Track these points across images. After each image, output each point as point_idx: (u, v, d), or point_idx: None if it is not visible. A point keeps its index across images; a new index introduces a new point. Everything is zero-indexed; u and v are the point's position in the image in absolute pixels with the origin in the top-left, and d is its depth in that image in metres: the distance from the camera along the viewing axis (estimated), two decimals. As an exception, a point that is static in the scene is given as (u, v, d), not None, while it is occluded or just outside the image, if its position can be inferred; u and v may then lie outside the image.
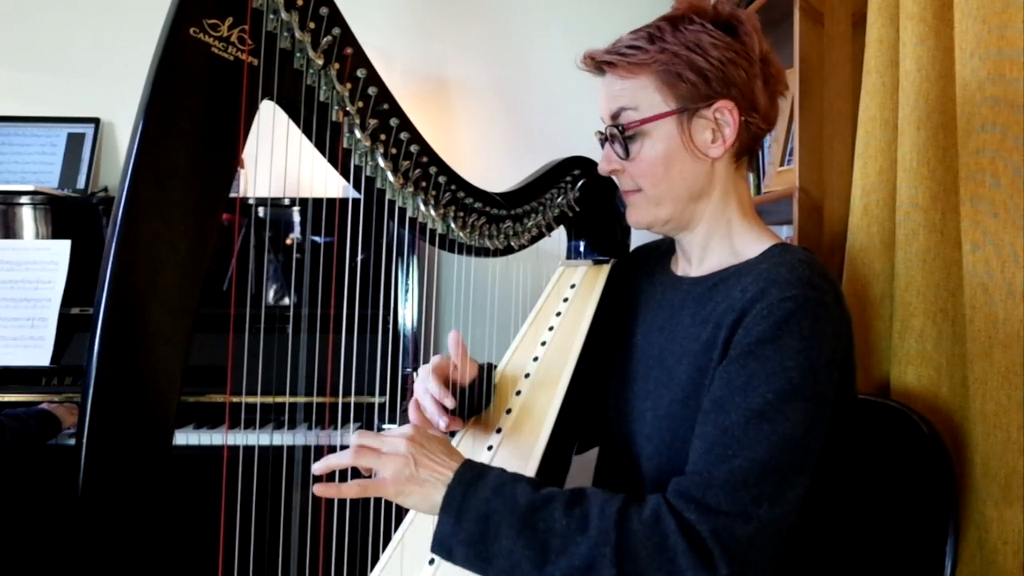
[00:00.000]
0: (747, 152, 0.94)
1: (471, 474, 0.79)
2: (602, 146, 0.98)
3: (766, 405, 0.76)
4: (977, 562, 1.00)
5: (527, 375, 1.03)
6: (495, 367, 1.07)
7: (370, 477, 0.81)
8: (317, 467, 0.79)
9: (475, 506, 0.76)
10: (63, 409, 1.69)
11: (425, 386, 0.97)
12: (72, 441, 1.69)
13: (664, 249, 1.07)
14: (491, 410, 1.02)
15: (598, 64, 0.93)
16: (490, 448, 0.97)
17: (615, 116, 0.92)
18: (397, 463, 0.78)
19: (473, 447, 0.99)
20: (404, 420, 1.71)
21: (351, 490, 0.77)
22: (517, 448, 0.96)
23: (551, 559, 0.74)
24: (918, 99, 1.12)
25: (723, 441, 0.77)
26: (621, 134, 0.91)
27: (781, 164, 1.59)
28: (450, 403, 0.94)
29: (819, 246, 1.38)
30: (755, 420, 0.76)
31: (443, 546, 0.77)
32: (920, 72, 1.12)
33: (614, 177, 0.98)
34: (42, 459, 1.70)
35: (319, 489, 0.77)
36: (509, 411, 1.00)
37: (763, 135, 0.95)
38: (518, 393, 1.02)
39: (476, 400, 1.02)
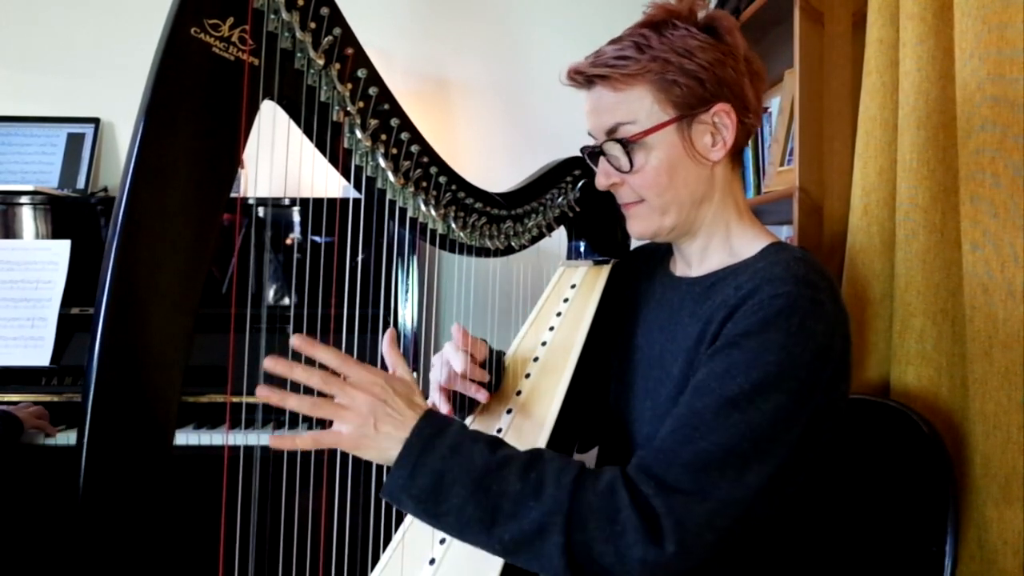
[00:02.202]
0: (741, 151, 0.95)
1: (430, 430, 0.78)
2: (590, 161, 0.97)
3: (740, 394, 0.77)
4: (977, 562, 1.00)
5: (528, 375, 1.03)
6: (503, 353, 1.08)
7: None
8: (261, 393, 0.76)
9: (430, 463, 0.76)
10: (24, 412, 1.68)
11: (449, 367, 0.99)
12: (62, 441, 1.69)
13: (664, 250, 1.07)
14: (492, 406, 1.02)
15: (589, 78, 0.92)
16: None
17: (611, 131, 0.91)
18: (356, 420, 0.77)
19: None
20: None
21: (305, 442, 0.76)
22: (519, 447, 0.95)
23: (500, 522, 0.75)
24: (918, 99, 1.12)
25: (692, 423, 0.77)
26: (624, 147, 0.90)
27: (781, 164, 1.60)
28: (484, 376, 0.98)
29: (819, 246, 1.38)
30: (726, 407, 0.76)
31: (394, 497, 0.77)
32: (920, 72, 1.12)
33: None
34: (40, 459, 1.71)
35: (273, 441, 0.76)
36: (510, 411, 1.00)
37: (753, 132, 0.95)
38: (518, 393, 1.02)
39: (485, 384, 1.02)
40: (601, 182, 0.96)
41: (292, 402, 0.76)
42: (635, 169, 0.91)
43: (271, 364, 0.75)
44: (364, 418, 0.77)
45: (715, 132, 0.90)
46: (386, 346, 0.89)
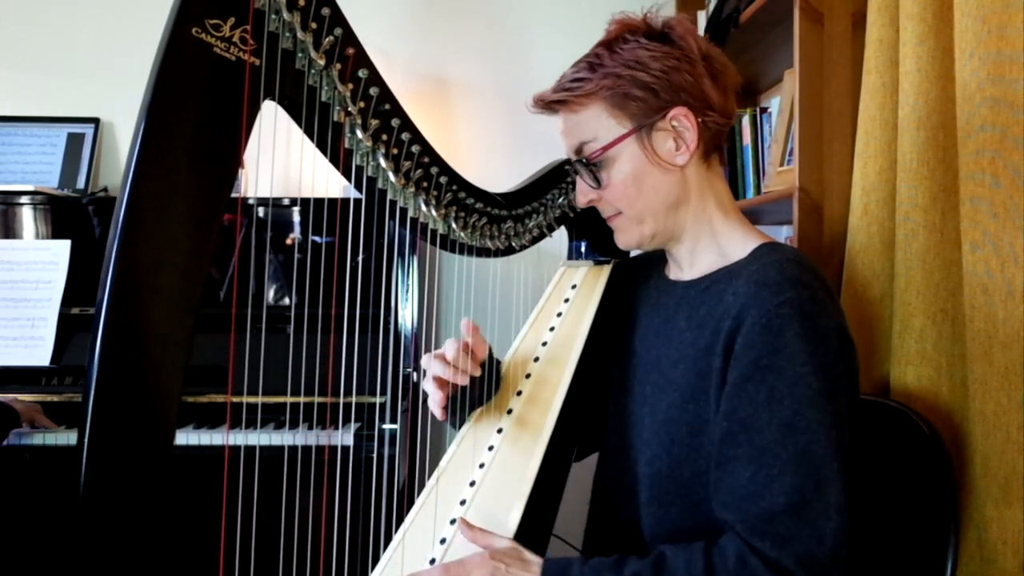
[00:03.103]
0: (714, 150, 0.95)
1: (555, 573, 0.81)
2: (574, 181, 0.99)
3: (795, 416, 0.77)
4: (977, 562, 1.00)
5: (528, 375, 1.03)
6: (499, 361, 1.08)
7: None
8: None
9: None
10: (19, 404, 1.68)
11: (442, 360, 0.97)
12: (62, 441, 1.70)
13: (659, 255, 1.07)
14: (492, 406, 1.02)
15: (548, 105, 0.95)
16: (491, 449, 0.97)
17: (578, 151, 0.94)
18: None
19: (475, 447, 0.99)
20: (404, 420, 1.72)
21: None
22: (519, 448, 0.96)
23: None
24: (918, 99, 1.12)
25: (766, 462, 0.78)
26: (587, 166, 0.93)
27: (781, 164, 1.60)
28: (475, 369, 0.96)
29: (819, 246, 1.38)
30: (790, 433, 0.77)
31: None
32: (920, 72, 1.12)
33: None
34: (40, 459, 1.71)
35: None
36: (510, 411, 1.00)
37: (725, 130, 0.95)
38: (519, 393, 1.02)
39: (481, 391, 1.02)
40: (580, 201, 0.98)
41: None
42: (604, 185, 0.93)
43: None
44: None
45: (677, 137, 0.90)
46: (467, 532, 0.88)
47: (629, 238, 0.97)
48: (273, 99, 0.82)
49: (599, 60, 0.91)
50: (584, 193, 0.96)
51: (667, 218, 0.94)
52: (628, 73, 0.88)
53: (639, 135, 0.90)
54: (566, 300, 1.10)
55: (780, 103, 1.66)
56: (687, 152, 0.91)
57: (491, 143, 2.30)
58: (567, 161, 1.09)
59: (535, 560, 0.83)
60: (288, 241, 1.98)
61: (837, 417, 0.79)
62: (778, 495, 0.76)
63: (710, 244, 0.94)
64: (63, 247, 1.90)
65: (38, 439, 1.70)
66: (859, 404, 0.88)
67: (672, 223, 0.94)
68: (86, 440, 0.72)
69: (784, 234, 1.98)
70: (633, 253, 1.11)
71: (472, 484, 0.94)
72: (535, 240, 1.07)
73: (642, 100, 0.89)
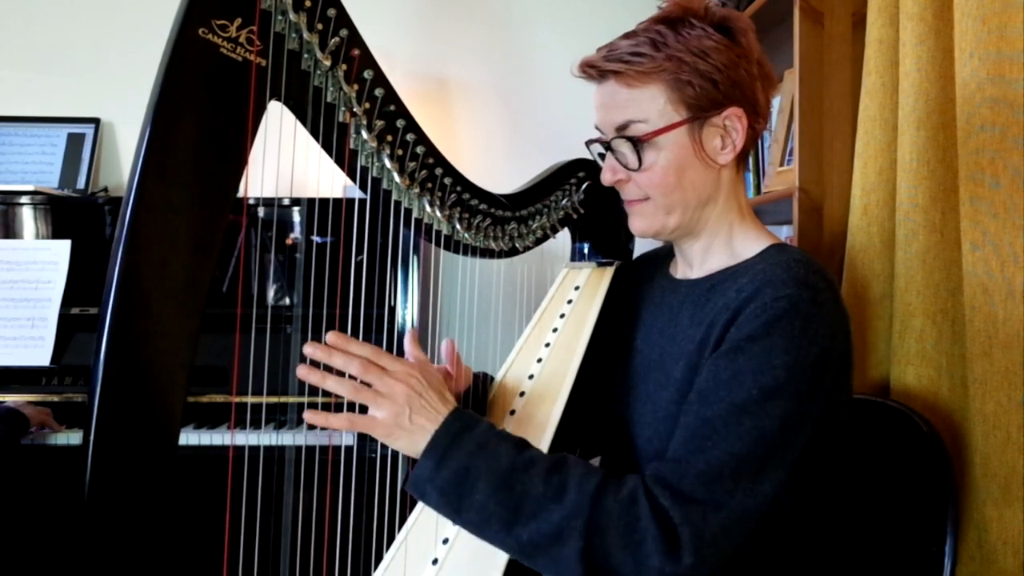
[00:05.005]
0: (747, 154, 0.95)
1: (459, 424, 0.79)
2: (592, 153, 0.97)
3: (749, 400, 0.77)
4: (977, 562, 1.00)
5: (531, 376, 1.03)
6: (492, 379, 1.08)
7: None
8: (301, 372, 0.77)
9: (456, 457, 0.77)
10: (29, 408, 1.68)
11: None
12: (62, 441, 1.70)
13: (664, 254, 1.07)
14: (494, 405, 1.02)
15: (602, 72, 0.90)
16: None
17: (621, 127, 0.90)
18: (392, 409, 0.78)
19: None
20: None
21: (340, 422, 0.77)
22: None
23: (521, 521, 0.75)
24: (918, 99, 1.12)
25: (703, 432, 0.78)
26: (632, 145, 0.89)
27: (781, 164, 1.60)
28: None
29: (819, 246, 1.38)
30: (736, 414, 0.77)
31: (418, 487, 0.78)
32: (920, 72, 1.12)
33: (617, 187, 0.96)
34: (43, 459, 1.70)
35: (309, 416, 0.77)
36: (512, 412, 1.00)
37: (760, 136, 0.95)
38: (522, 394, 1.02)
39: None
40: (607, 177, 0.94)
41: (331, 383, 0.78)
42: (643, 168, 0.90)
43: (311, 350, 0.77)
44: (400, 407, 0.78)
45: (725, 135, 0.89)
46: (410, 344, 0.89)
47: (648, 225, 0.94)
48: (279, 100, 0.82)
49: (663, 39, 0.87)
50: (614, 171, 0.93)
51: (694, 213, 0.92)
52: (692, 60, 0.86)
53: (692, 126, 0.88)
54: (569, 301, 1.10)
55: (780, 103, 1.66)
56: (732, 152, 0.90)
57: (491, 143, 2.30)
58: (576, 161, 1.09)
59: (452, 401, 0.81)
60: (288, 241, 1.99)
61: (795, 419, 0.78)
62: (699, 461, 0.76)
63: (724, 245, 0.94)
64: (63, 247, 1.90)
65: (47, 439, 1.70)
66: (847, 408, 0.88)
67: (696, 219, 0.93)
68: (91, 439, 0.73)
69: (784, 234, 1.98)
70: (637, 244, 1.11)
71: (476, 483, 0.94)
72: (539, 241, 1.07)
73: (702, 90, 0.86)
